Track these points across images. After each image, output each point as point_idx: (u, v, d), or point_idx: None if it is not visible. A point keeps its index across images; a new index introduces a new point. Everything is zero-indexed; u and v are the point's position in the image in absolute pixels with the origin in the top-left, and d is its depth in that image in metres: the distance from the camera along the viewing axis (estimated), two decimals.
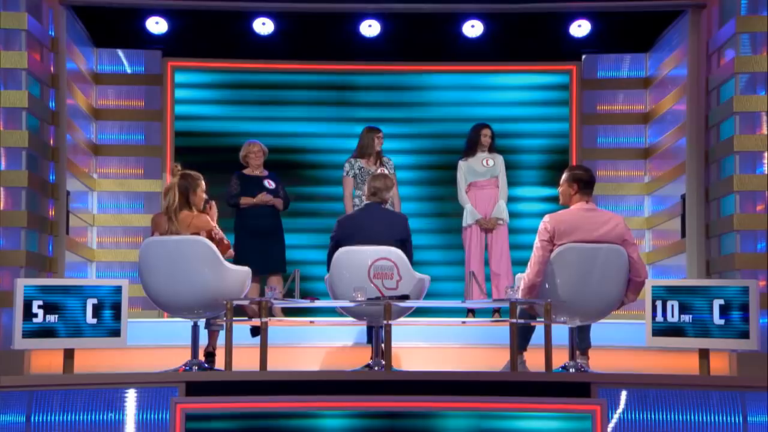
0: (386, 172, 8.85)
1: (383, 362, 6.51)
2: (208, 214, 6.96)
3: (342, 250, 6.92)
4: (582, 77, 10.45)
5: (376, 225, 7.05)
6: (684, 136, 9.17)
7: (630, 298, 6.69)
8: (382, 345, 6.47)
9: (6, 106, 8.05)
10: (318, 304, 6.80)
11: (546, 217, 6.60)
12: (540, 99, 10.59)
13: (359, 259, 6.82)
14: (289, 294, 7.03)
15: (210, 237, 6.77)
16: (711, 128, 8.84)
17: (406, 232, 7.16)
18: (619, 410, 6.12)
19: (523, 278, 6.58)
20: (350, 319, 7.13)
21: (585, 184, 6.68)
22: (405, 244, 7.04)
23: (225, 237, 6.97)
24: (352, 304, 6.59)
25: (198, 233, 6.76)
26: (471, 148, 9.05)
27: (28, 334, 6.39)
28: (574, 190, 6.69)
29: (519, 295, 6.41)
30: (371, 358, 6.99)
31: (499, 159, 9.03)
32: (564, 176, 6.77)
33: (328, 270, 7.01)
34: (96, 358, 7.37)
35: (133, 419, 6.09)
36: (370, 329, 7.23)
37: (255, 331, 6.71)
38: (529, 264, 6.55)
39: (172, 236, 6.80)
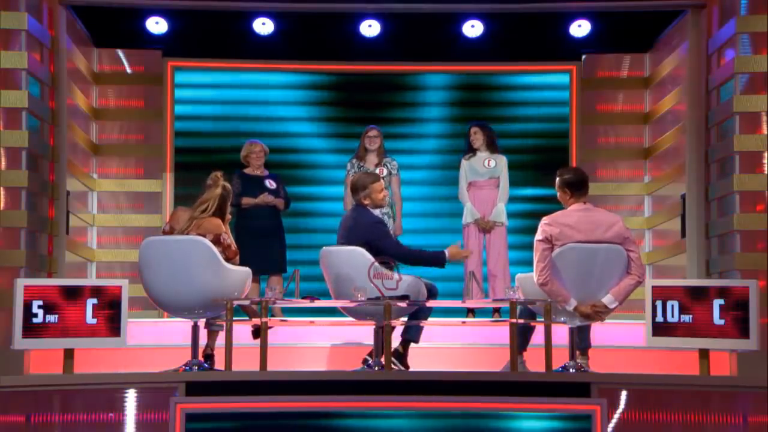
0: (385, 172, 8.86)
1: (383, 362, 6.51)
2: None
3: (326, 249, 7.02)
4: (582, 77, 10.45)
5: (345, 226, 7.08)
6: (684, 136, 9.17)
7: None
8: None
9: (6, 106, 8.04)
10: (318, 304, 6.80)
11: (544, 219, 6.60)
12: (540, 99, 10.58)
13: (359, 258, 6.82)
14: (289, 294, 7.03)
15: (217, 241, 6.79)
16: (711, 128, 8.84)
17: (371, 234, 7.00)
18: (619, 410, 6.11)
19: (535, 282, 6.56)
20: (350, 318, 7.12)
21: (575, 186, 6.66)
22: (371, 246, 6.91)
23: (234, 244, 6.99)
24: (352, 304, 6.59)
25: (205, 235, 6.77)
26: (469, 148, 9.06)
27: (28, 334, 6.39)
28: (567, 195, 6.69)
29: (519, 295, 6.41)
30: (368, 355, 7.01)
31: (502, 161, 9.02)
32: (556, 183, 6.76)
33: None
34: (96, 358, 7.37)
35: (133, 419, 6.09)
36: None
37: (257, 333, 6.72)
38: (534, 268, 6.53)
39: (172, 236, 6.80)
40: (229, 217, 7.17)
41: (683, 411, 6.11)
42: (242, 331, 6.97)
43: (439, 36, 10.17)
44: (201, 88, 10.51)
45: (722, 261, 8.42)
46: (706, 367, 6.59)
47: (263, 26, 10.01)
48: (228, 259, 6.83)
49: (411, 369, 7.16)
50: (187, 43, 10.20)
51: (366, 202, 7.14)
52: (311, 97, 10.55)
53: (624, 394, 6.14)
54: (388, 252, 6.91)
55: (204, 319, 6.99)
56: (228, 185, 7.07)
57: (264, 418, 6.07)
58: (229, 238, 6.96)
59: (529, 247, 6.67)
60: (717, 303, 6.54)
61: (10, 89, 8.07)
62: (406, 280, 6.83)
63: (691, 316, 6.59)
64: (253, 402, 6.06)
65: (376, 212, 7.37)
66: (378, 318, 6.60)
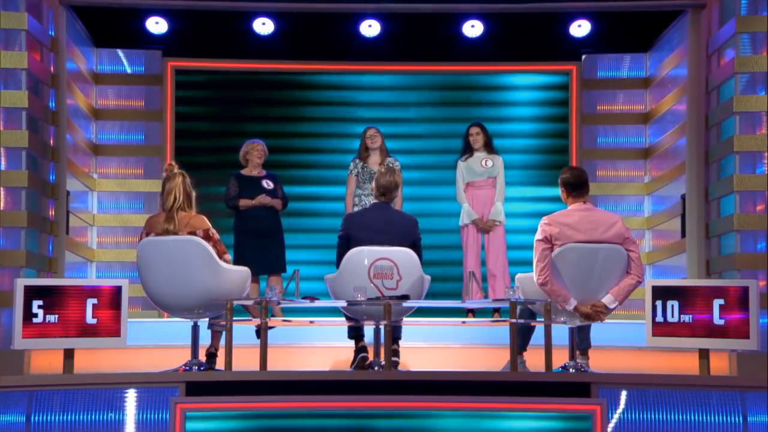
0: None
1: (383, 362, 6.51)
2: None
3: (355, 250, 6.86)
4: (582, 77, 10.46)
5: (387, 227, 6.99)
6: (684, 136, 9.18)
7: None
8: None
9: (6, 106, 8.05)
10: (318, 304, 6.80)
11: (544, 219, 6.59)
12: (540, 99, 10.60)
13: (360, 258, 6.81)
14: (289, 294, 7.03)
15: (207, 236, 6.74)
16: (711, 128, 8.85)
17: (416, 234, 7.10)
18: (619, 410, 6.12)
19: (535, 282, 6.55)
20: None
21: (573, 186, 6.65)
22: (414, 247, 7.01)
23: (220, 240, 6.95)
24: (351, 304, 6.58)
25: (194, 232, 6.73)
26: (466, 148, 9.06)
27: (28, 334, 6.38)
28: (566, 194, 6.69)
29: (519, 295, 6.41)
30: (353, 359, 7.01)
31: (499, 160, 9.02)
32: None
33: (338, 268, 6.98)
34: (96, 358, 7.36)
35: (133, 419, 6.09)
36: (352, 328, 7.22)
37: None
38: (534, 268, 6.52)
39: (169, 236, 6.76)
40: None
41: (683, 411, 6.11)
42: (243, 330, 6.96)
43: (439, 36, 10.18)
44: (201, 88, 10.52)
45: (722, 261, 8.43)
46: (706, 367, 6.59)
47: (263, 26, 10.03)
48: (219, 255, 6.75)
49: (411, 369, 7.15)
50: (187, 43, 10.21)
51: (392, 201, 7.22)
52: (311, 97, 10.57)
53: (624, 394, 6.14)
54: (420, 253, 7.01)
55: (204, 319, 6.98)
56: (184, 171, 6.89)
57: (264, 418, 6.07)
58: (216, 234, 6.88)
59: (529, 247, 6.66)
60: (717, 303, 6.54)
61: (10, 89, 8.08)
62: (425, 277, 6.94)
63: (691, 316, 6.58)
64: (253, 402, 6.06)
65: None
66: (378, 318, 6.61)
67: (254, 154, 8.79)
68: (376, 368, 6.66)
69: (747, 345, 6.51)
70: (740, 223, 8.14)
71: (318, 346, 8.13)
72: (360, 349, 7.04)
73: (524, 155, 10.37)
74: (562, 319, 6.55)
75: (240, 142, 9.06)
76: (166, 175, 6.88)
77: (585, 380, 6.20)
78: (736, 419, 6.09)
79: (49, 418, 6.07)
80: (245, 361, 6.57)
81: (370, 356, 6.92)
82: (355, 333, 7.12)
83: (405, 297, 6.67)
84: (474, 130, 9.03)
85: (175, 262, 6.63)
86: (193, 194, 6.89)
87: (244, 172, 8.84)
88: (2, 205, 8.01)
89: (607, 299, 6.45)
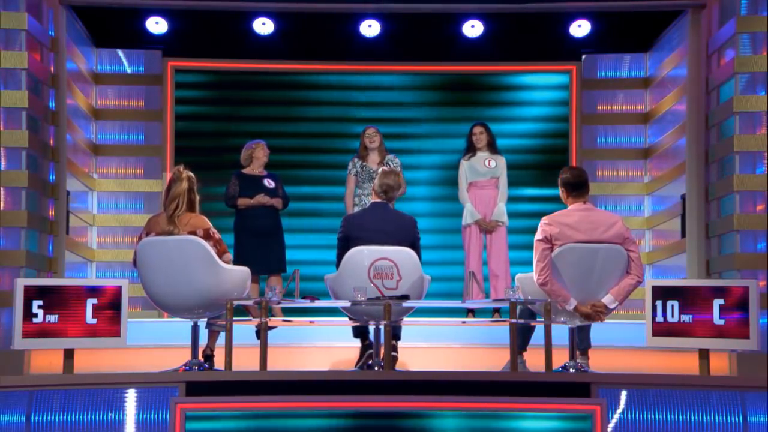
0: None
1: (383, 362, 6.51)
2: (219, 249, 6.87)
3: (355, 250, 6.87)
4: (582, 77, 10.46)
5: (386, 227, 6.97)
6: (684, 136, 9.18)
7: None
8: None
9: (6, 106, 8.06)
10: (318, 304, 6.80)
11: (544, 219, 6.58)
12: (540, 99, 10.60)
13: (360, 258, 6.81)
14: (289, 294, 7.02)
15: (207, 236, 6.72)
16: (711, 128, 8.85)
17: (415, 235, 7.09)
18: (619, 410, 6.12)
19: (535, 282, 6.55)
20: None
21: (573, 186, 6.64)
22: (414, 247, 7.00)
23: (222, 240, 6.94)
24: (351, 304, 6.58)
25: (194, 232, 6.72)
26: (469, 147, 9.06)
27: (28, 334, 6.38)
28: (566, 194, 6.68)
29: (519, 295, 6.40)
30: (360, 357, 6.99)
31: (502, 161, 9.02)
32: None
33: (338, 269, 6.97)
34: (96, 358, 7.36)
35: (133, 419, 6.09)
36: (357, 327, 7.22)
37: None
38: (534, 268, 6.52)
39: (168, 236, 6.74)
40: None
41: (683, 411, 6.11)
42: (244, 330, 6.96)
43: (439, 36, 10.18)
44: (201, 88, 10.52)
45: (722, 261, 8.43)
46: (706, 367, 6.59)
47: (263, 26, 10.03)
48: (220, 254, 6.74)
49: (411, 369, 7.15)
50: (187, 43, 10.22)
51: (395, 198, 7.20)
52: (311, 97, 10.58)
53: (624, 394, 6.14)
54: (419, 254, 6.98)
55: (204, 319, 6.97)
56: (192, 175, 6.84)
57: (264, 418, 6.07)
58: (217, 233, 6.87)
59: (530, 247, 6.66)
60: (717, 303, 6.54)
61: (10, 89, 8.08)
62: (425, 277, 6.92)
63: (691, 316, 6.58)
64: (253, 402, 6.06)
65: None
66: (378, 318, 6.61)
67: (261, 152, 8.78)
68: (376, 368, 6.66)
69: (747, 345, 6.51)
70: (740, 223, 8.14)
71: (318, 346, 8.13)
72: (366, 347, 7.05)
73: (524, 155, 10.37)
74: (562, 319, 6.55)
75: (240, 142, 9.05)
76: (174, 177, 6.85)
77: (585, 380, 6.20)
78: (736, 419, 6.09)
79: (49, 418, 6.07)
80: (245, 361, 6.57)
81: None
82: (360, 331, 7.12)
83: (405, 297, 6.67)
84: (478, 129, 9.04)
85: (175, 261, 6.62)
86: (197, 199, 6.88)
87: (245, 171, 8.84)
88: (2, 205, 8.01)
89: (607, 299, 6.45)
